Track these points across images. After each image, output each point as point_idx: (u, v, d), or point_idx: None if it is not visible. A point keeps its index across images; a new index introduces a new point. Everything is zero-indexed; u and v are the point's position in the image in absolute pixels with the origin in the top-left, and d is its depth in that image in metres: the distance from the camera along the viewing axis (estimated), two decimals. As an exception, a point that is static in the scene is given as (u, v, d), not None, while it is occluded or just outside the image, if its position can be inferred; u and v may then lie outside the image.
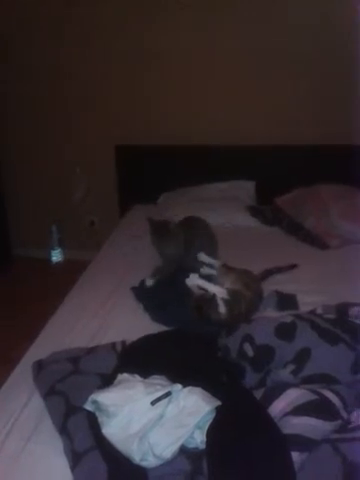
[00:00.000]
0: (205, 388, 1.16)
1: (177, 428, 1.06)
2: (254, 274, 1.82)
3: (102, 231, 3.00)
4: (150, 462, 1.03)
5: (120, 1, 2.82)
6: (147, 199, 2.95)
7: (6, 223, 3.44)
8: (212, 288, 1.66)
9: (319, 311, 1.56)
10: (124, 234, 2.53)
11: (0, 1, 2.91)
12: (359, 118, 2.27)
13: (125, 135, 3.02)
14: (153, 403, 1.09)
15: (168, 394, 1.11)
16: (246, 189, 2.90)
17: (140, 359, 1.33)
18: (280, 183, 2.69)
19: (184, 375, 1.20)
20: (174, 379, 1.19)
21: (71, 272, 2.23)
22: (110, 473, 1.02)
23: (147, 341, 1.44)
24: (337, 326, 1.34)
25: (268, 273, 1.94)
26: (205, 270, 1.79)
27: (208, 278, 1.74)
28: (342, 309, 1.53)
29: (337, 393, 1.14)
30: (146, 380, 1.20)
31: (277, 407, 1.13)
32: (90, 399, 1.16)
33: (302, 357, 1.26)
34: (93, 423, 1.13)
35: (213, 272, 1.79)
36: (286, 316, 1.42)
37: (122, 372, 1.24)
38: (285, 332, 1.32)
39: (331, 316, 1.47)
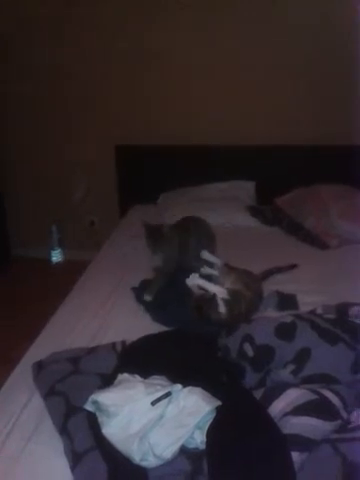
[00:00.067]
0: (205, 388, 1.16)
1: (177, 428, 1.06)
2: (254, 274, 1.82)
3: (102, 231, 3.00)
4: (150, 462, 1.03)
5: (120, 1, 2.82)
6: (147, 199, 2.95)
7: (6, 223, 3.44)
8: (212, 288, 1.66)
9: (319, 311, 1.56)
10: (124, 234, 2.53)
11: (0, 1, 2.91)
12: (359, 118, 2.27)
13: (125, 135, 3.02)
14: (153, 403, 1.09)
15: (168, 394, 1.11)
16: (246, 189, 2.90)
17: (140, 359, 1.33)
18: (280, 183, 2.69)
19: (184, 375, 1.20)
20: (174, 379, 1.19)
21: (71, 272, 2.23)
22: (110, 473, 1.02)
23: (147, 341, 1.44)
24: (337, 326, 1.34)
25: (268, 273, 1.94)
26: (205, 270, 1.79)
27: (208, 278, 1.74)
28: (342, 309, 1.53)
29: (337, 393, 1.14)
30: (146, 380, 1.20)
31: (277, 407, 1.13)
32: (90, 399, 1.16)
33: (302, 357, 1.26)
34: (93, 423, 1.13)
35: (213, 272, 1.79)
36: (286, 316, 1.42)
37: (122, 372, 1.24)
38: (285, 332, 1.32)
39: (331, 316, 1.47)
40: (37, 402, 1.28)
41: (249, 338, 1.33)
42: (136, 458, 1.03)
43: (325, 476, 1.01)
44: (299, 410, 1.09)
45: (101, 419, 1.13)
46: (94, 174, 3.23)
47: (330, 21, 2.60)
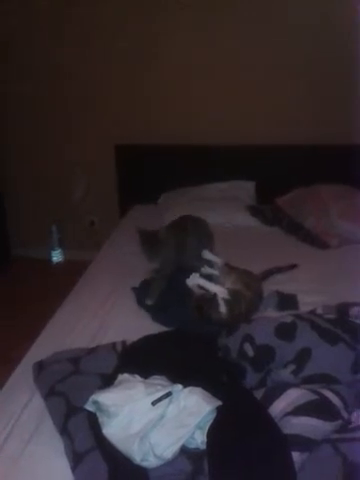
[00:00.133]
0: (205, 388, 1.16)
1: (178, 428, 1.06)
2: (254, 274, 1.82)
3: (102, 231, 3.00)
4: (151, 462, 1.03)
5: (120, 1, 2.82)
6: (147, 199, 2.95)
7: (6, 223, 3.44)
8: (213, 288, 1.66)
9: (319, 311, 1.56)
10: (124, 234, 2.53)
11: (0, 1, 2.91)
12: (359, 118, 2.27)
13: (125, 135, 3.02)
14: (154, 403, 1.09)
15: (169, 394, 1.11)
16: (246, 189, 2.90)
17: (140, 359, 1.33)
18: (280, 183, 2.69)
19: (184, 375, 1.20)
20: (174, 379, 1.19)
21: (71, 272, 2.23)
22: (111, 473, 1.02)
23: (147, 341, 1.44)
24: (337, 326, 1.34)
25: (268, 273, 1.94)
26: (206, 270, 1.79)
27: (209, 278, 1.74)
28: (342, 309, 1.53)
29: (337, 393, 1.14)
30: (146, 380, 1.20)
31: (277, 407, 1.13)
32: (91, 399, 1.16)
33: (302, 357, 1.26)
34: (94, 423, 1.13)
35: (214, 272, 1.79)
36: (286, 316, 1.42)
37: (122, 372, 1.24)
38: (285, 332, 1.33)
39: (331, 316, 1.47)
40: (37, 402, 1.28)
41: (249, 338, 1.33)
42: (137, 458, 1.03)
43: (325, 476, 1.01)
44: (299, 410, 1.09)
45: (101, 419, 1.13)
46: (94, 174, 3.23)
47: (330, 21, 2.60)
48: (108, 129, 3.09)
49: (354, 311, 1.50)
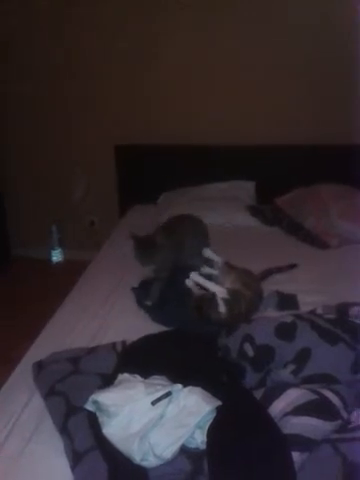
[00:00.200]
0: (205, 388, 1.16)
1: (177, 428, 1.06)
2: (254, 274, 1.82)
3: (102, 231, 3.00)
4: (150, 462, 1.03)
5: (120, 1, 2.82)
6: (147, 199, 2.95)
7: (6, 223, 3.44)
8: (212, 287, 1.66)
9: (319, 311, 1.56)
10: (124, 234, 2.51)
11: (0, 1, 2.91)
12: (359, 118, 2.27)
13: (125, 135, 3.02)
14: (153, 403, 1.09)
15: (168, 394, 1.11)
16: (246, 189, 2.90)
17: (140, 359, 1.33)
18: (280, 183, 2.69)
19: (184, 375, 1.20)
20: (174, 379, 1.19)
21: (71, 272, 2.23)
22: (110, 473, 1.02)
23: (147, 341, 1.44)
24: (337, 326, 1.34)
25: (268, 273, 1.94)
26: (205, 269, 1.79)
27: (208, 277, 1.74)
28: (342, 309, 1.53)
29: (337, 393, 1.14)
30: (146, 380, 1.20)
31: (277, 407, 1.13)
32: (91, 399, 1.16)
33: (302, 357, 1.26)
34: (93, 423, 1.13)
35: (213, 271, 1.79)
36: (286, 316, 1.42)
37: (122, 372, 1.24)
38: (285, 332, 1.33)
39: (331, 316, 1.47)
40: (37, 402, 1.28)
41: (249, 338, 1.33)
42: (136, 458, 1.03)
43: (325, 476, 1.01)
44: (299, 410, 1.09)
45: (101, 419, 1.13)
46: (94, 174, 3.23)
47: (330, 21, 2.60)
48: (108, 129, 3.09)
49: (354, 311, 1.50)
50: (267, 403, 1.16)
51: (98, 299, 1.85)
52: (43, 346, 1.54)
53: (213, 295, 1.62)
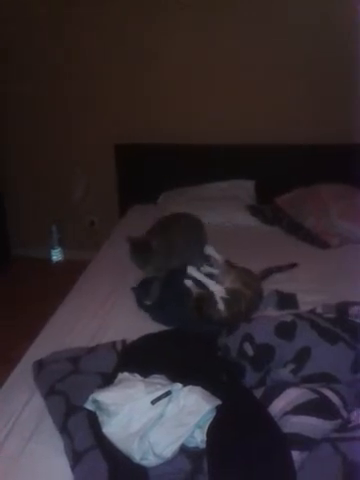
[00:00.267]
0: (205, 387, 1.16)
1: (177, 427, 1.06)
2: (254, 273, 1.82)
3: (102, 231, 3.00)
4: (150, 461, 1.03)
5: (120, 1, 2.82)
6: (147, 199, 2.95)
7: (6, 223, 3.44)
8: (210, 285, 1.66)
9: (319, 310, 1.56)
10: (124, 234, 2.51)
11: (0, 1, 2.91)
12: (359, 118, 2.27)
13: (125, 135, 3.02)
14: (153, 402, 1.09)
15: (168, 393, 1.11)
16: (246, 188, 2.90)
17: (140, 358, 1.33)
18: (280, 183, 2.69)
19: (184, 374, 1.20)
20: (174, 378, 1.19)
21: (71, 272, 2.23)
22: (110, 472, 1.02)
23: (147, 340, 1.44)
24: (337, 325, 1.34)
25: (268, 272, 1.94)
26: (205, 268, 1.79)
27: (208, 276, 1.74)
28: (342, 308, 1.53)
29: (337, 392, 1.14)
30: (146, 379, 1.20)
31: (277, 406, 1.13)
32: (90, 398, 1.16)
33: (302, 356, 1.26)
34: (93, 422, 1.13)
35: (213, 270, 1.79)
36: (286, 315, 1.42)
37: (122, 371, 1.24)
38: (285, 331, 1.33)
39: (331, 315, 1.47)
40: (37, 401, 1.28)
41: (249, 337, 1.33)
42: (136, 457, 1.03)
43: (325, 475, 1.01)
44: (299, 409, 1.09)
45: (101, 418, 1.13)
46: (94, 174, 3.23)
47: (330, 21, 2.60)
48: (108, 129, 3.09)
49: (354, 310, 1.50)
50: (267, 402, 1.16)
51: (98, 299, 1.85)
52: (43, 346, 1.54)
53: (211, 293, 1.62)
